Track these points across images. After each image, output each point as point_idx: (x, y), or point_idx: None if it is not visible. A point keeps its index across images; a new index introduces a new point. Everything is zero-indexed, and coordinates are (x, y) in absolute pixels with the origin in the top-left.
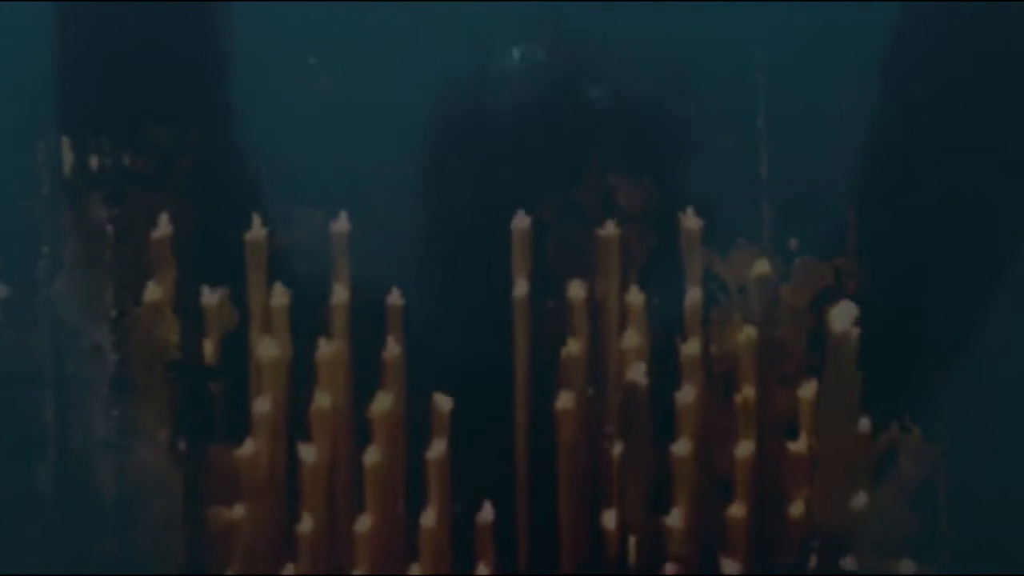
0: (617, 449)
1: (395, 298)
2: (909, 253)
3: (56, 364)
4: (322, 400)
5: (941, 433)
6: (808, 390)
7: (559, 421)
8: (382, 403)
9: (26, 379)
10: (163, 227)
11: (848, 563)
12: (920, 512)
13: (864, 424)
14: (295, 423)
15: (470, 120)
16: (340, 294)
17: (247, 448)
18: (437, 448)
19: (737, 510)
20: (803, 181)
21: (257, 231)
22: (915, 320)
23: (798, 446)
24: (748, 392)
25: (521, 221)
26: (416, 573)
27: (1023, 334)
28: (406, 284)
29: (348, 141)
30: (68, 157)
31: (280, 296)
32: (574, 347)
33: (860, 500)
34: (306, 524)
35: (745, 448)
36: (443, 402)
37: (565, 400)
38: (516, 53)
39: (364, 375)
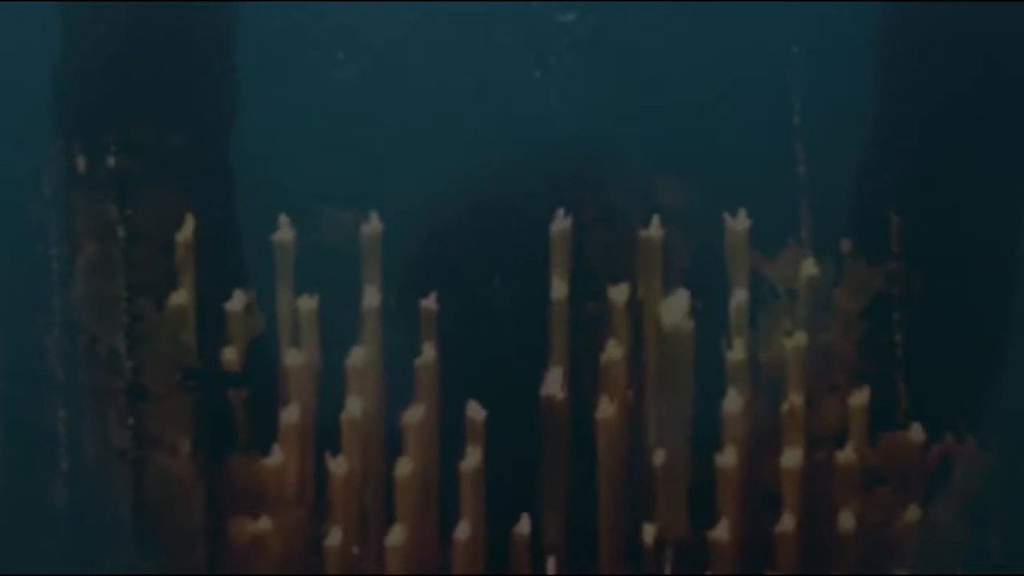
0: (658, 459)
1: (429, 302)
2: (959, 256)
3: (70, 370)
4: (353, 408)
5: (995, 443)
6: (859, 398)
7: (599, 429)
8: (415, 412)
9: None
10: (186, 229)
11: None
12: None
13: (917, 434)
14: (324, 432)
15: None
16: (371, 297)
17: (273, 458)
18: (472, 458)
19: (785, 523)
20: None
21: (284, 232)
22: (967, 326)
23: (847, 456)
24: (796, 400)
25: (560, 223)
26: None
27: None
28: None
29: (376, 138)
30: (81, 158)
31: (307, 300)
32: (614, 351)
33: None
34: (334, 538)
35: (792, 458)
36: (477, 411)
37: (605, 407)
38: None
39: (396, 383)
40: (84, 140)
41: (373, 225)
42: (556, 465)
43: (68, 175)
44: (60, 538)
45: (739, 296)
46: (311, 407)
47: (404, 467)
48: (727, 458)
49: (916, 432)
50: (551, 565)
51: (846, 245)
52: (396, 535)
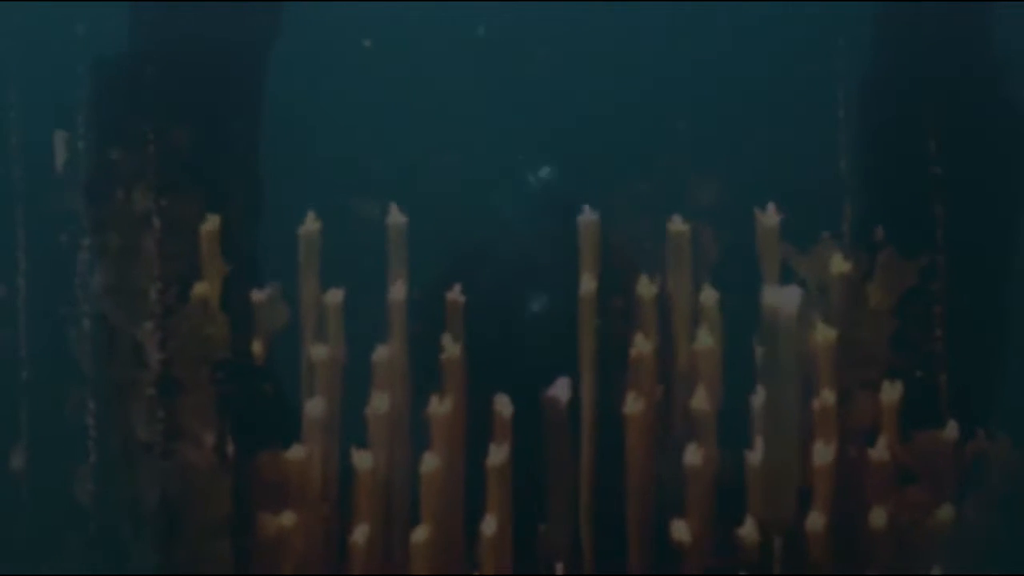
0: (689, 455)
1: (455, 295)
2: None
3: (96, 363)
4: (379, 403)
5: None
6: (891, 394)
7: (627, 425)
8: (441, 406)
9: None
10: (212, 220)
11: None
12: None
13: (951, 431)
14: (350, 426)
15: None
16: (397, 291)
17: (298, 452)
18: (498, 454)
19: (816, 520)
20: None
21: (311, 225)
22: (1002, 322)
23: (879, 453)
24: (827, 396)
25: (588, 216)
26: None
27: None
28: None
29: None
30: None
31: (333, 293)
32: (643, 346)
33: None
34: (360, 534)
35: (824, 454)
36: (504, 405)
37: (634, 402)
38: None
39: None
40: (118, 132)
41: (398, 218)
42: (561, 467)
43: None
44: (86, 531)
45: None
46: (336, 401)
47: (430, 463)
48: (757, 455)
49: (951, 429)
50: (559, 568)
51: (879, 238)
52: (421, 532)
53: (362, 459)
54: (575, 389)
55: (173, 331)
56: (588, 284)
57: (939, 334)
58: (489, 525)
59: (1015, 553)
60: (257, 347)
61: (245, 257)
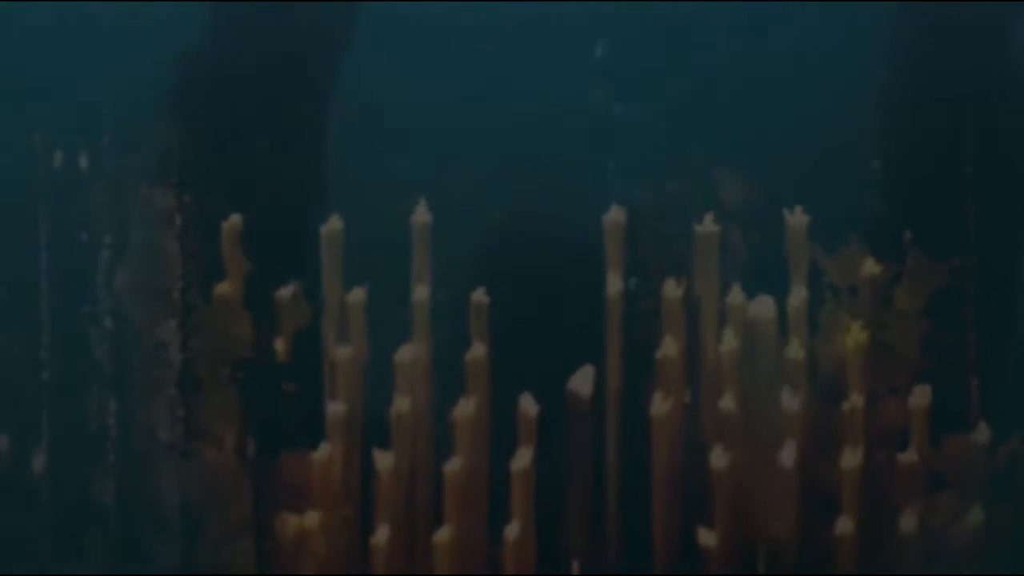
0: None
1: (480, 296)
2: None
3: (118, 362)
4: (401, 403)
5: None
6: (921, 398)
7: (654, 427)
8: (465, 408)
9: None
10: (234, 219)
11: None
12: None
13: (982, 435)
14: (372, 427)
15: None
16: (421, 291)
17: (321, 453)
18: (523, 457)
19: (844, 525)
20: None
21: (333, 224)
22: None
23: (909, 457)
24: (856, 400)
25: (615, 215)
26: None
27: None
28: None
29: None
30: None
31: (356, 292)
32: (670, 348)
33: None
34: (381, 535)
35: (852, 459)
36: (530, 407)
37: (660, 405)
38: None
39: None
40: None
41: (423, 217)
42: (582, 466)
43: (123, 165)
44: (107, 531)
45: (798, 293)
46: (358, 401)
47: (454, 464)
48: (785, 458)
49: (982, 433)
50: (575, 567)
51: (908, 241)
52: (444, 534)
53: (384, 460)
54: (599, 388)
55: (195, 330)
56: (614, 284)
57: (969, 337)
58: (513, 529)
59: None
60: (280, 346)
61: (269, 256)
